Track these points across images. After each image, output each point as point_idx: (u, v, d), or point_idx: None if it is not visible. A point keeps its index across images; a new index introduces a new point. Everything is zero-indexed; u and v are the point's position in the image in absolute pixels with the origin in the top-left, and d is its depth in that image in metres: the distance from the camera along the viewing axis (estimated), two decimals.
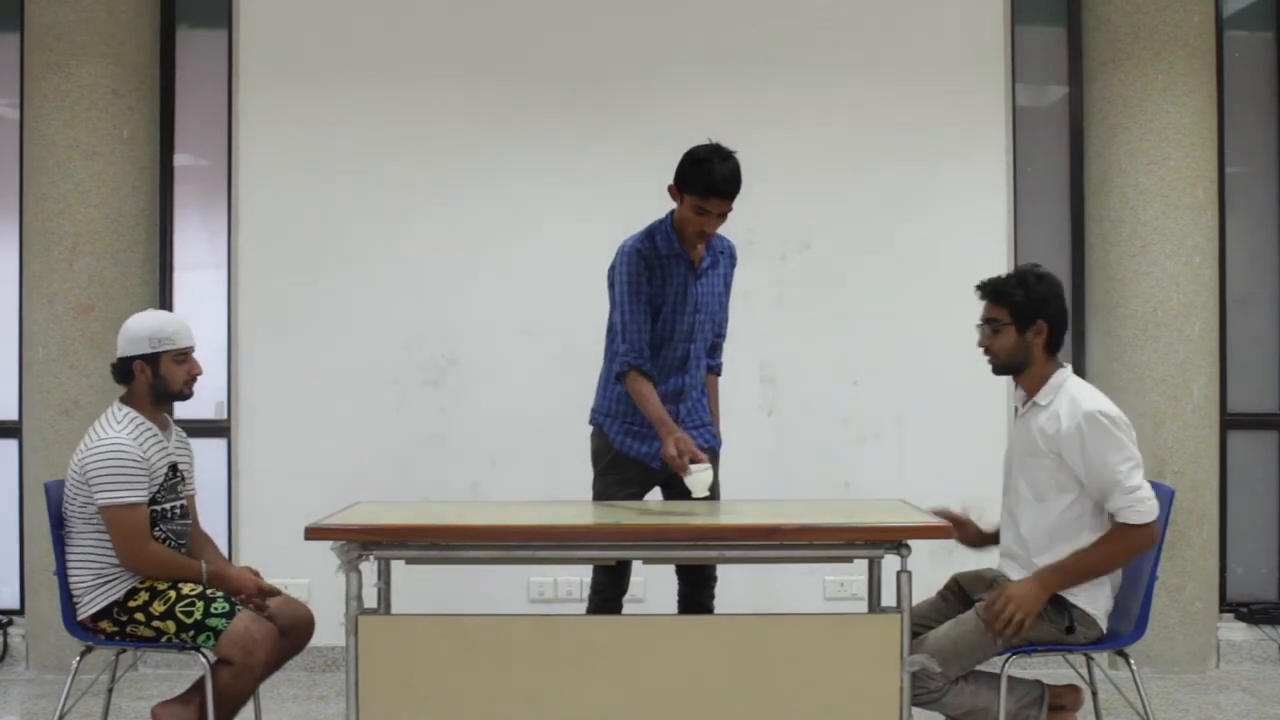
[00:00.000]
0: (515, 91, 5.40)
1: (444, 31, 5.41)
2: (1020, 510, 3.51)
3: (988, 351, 3.55)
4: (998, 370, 3.58)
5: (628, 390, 3.95)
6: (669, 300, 3.99)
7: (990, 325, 3.52)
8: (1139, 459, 3.37)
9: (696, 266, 4.04)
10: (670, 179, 5.47)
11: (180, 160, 5.53)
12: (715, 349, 4.24)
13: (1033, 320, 3.48)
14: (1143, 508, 3.32)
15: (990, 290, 3.53)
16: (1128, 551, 3.38)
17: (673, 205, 4.02)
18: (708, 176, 3.83)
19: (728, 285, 4.18)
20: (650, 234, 4.01)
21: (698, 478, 3.66)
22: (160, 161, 5.44)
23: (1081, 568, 3.39)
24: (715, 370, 4.26)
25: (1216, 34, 5.33)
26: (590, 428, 4.16)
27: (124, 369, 3.68)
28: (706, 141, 3.92)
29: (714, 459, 4.20)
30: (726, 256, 4.17)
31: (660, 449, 3.95)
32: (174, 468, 3.72)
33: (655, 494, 4.18)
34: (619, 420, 4.06)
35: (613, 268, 4.05)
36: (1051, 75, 5.59)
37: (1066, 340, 5.35)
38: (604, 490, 4.10)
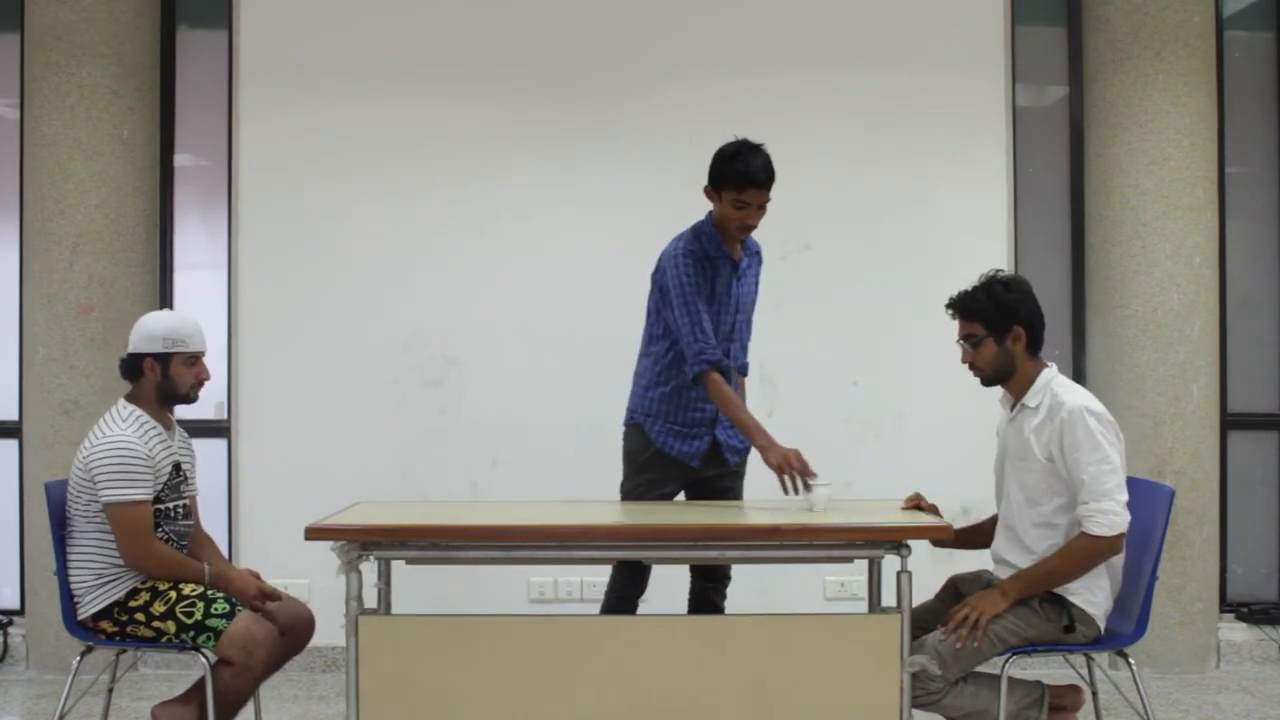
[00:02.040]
0: (516, 92, 5.40)
1: (444, 32, 5.41)
2: (1013, 515, 3.51)
3: (972, 367, 3.55)
4: (987, 383, 3.58)
5: (709, 391, 3.92)
6: (716, 300, 4.02)
7: (969, 341, 3.52)
8: (1117, 465, 3.33)
9: (738, 267, 4.08)
10: (672, 179, 5.49)
11: (180, 160, 5.53)
12: (744, 349, 4.26)
13: (1008, 328, 3.48)
14: (1105, 520, 3.30)
15: (960, 307, 3.53)
16: (1083, 562, 3.36)
17: (709, 207, 4.04)
18: (744, 169, 3.87)
19: (758, 285, 4.20)
20: (696, 235, 4.03)
21: (817, 494, 3.63)
22: (160, 161, 5.44)
23: (1040, 575, 3.40)
24: (742, 371, 4.27)
25: (1216, 34, 5.33)
26: (624, 427, 4.18)
27: (134, 365, 3.68)
28: (734, 139, 3.95)
29: (745, 463, 4.24)
30: (757, 257, 4.20)
31: (701, 447, 4.05)
32: (177, 467, 3.72)
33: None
34: (661, 420, 4.09)
35: (661, 270, 4.05)
36: (1051, 75, 5.59)
37: (1067, 340, 5.45)
38: (634, 489, 4.13)
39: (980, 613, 3.35)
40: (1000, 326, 3.47)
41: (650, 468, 4.09)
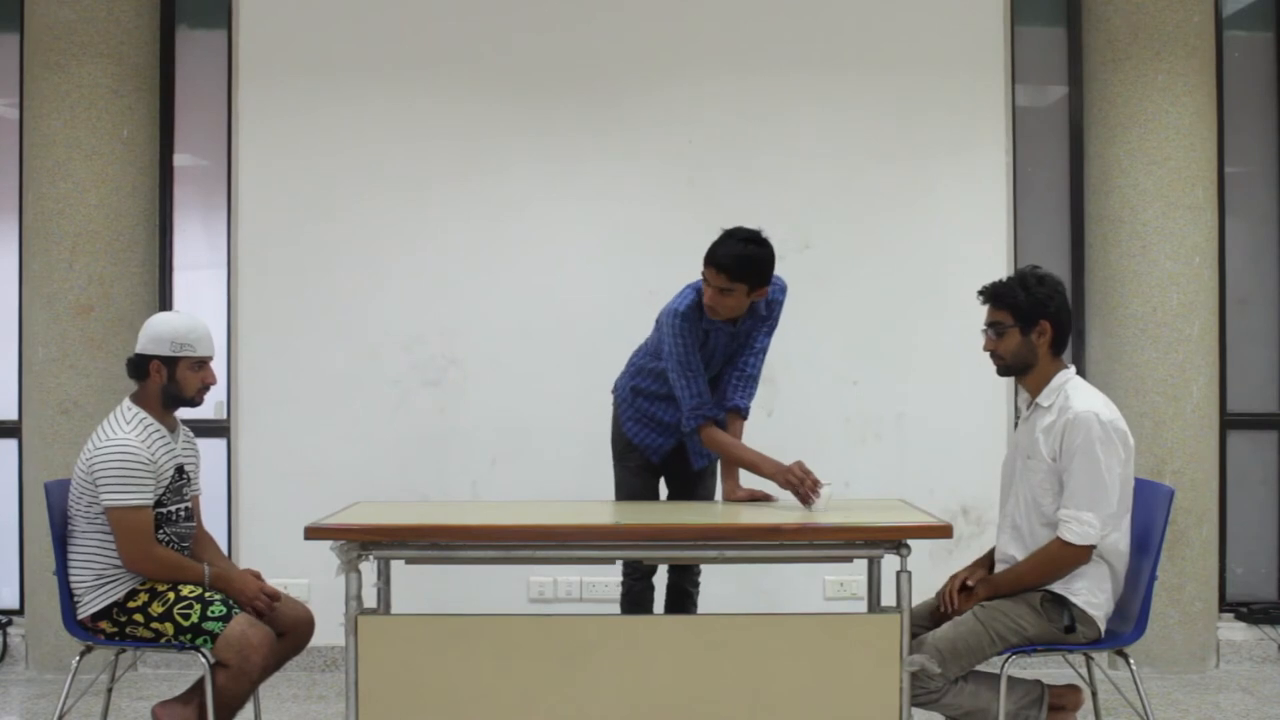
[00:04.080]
0: (515, 92, 5.40)
1: (443, 32, 5.41)
2: (1020, 514, 3.51)
3: (993, 355, 3.56)
4: (1003, 372, 3.59)
5: (706, 445, 4.04)
6: (707, 355, 4.09)
7: (994, 329, 3.53)
8: (1107, 479, 3.33)
9: (737, 325, 4.09)
10: (672, 178, 5.54)
11: (180, 160, 5.53)
12: (744, 385, 4.20)
13: (1035, 321, 3.48)
14: (1079, 529, 3.33)
15: (992, 294, 3.54)
16: (1050, 568, 3.38)
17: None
18: (713, 248, 3.90)
19: (764, 325, 4.16)
20: (698, 304, 4.01)
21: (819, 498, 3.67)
22: (160, 161, 5.44)
23: (1010, 579, 3.44)
24: (741, 411, 4.19)
25: (1216, 34, 5.33)
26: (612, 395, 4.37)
27: (140, 365, 3.68)
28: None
29: (715, 469, 4.32)
30: (769, 306, 4.15)
31: (665, 445, 4.19)
32: (180, 469, 3.72)
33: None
34: (630, 408, 4.26)
35: (659, 322, 4.11)
36: (1051, 75, 5.58)
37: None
38: (622, 478, 4.28)
39: (959, 608, 3.44)
40: (1028, 319, 3.48)
41: (628, 455, 4.26)
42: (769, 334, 4.17)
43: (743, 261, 3.85)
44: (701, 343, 4.03)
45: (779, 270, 5.07)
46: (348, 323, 5.38)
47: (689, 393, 3.98)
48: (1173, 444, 5.14)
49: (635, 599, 4.23)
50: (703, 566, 4.29)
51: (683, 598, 4.28)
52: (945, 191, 5.43)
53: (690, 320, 3.98)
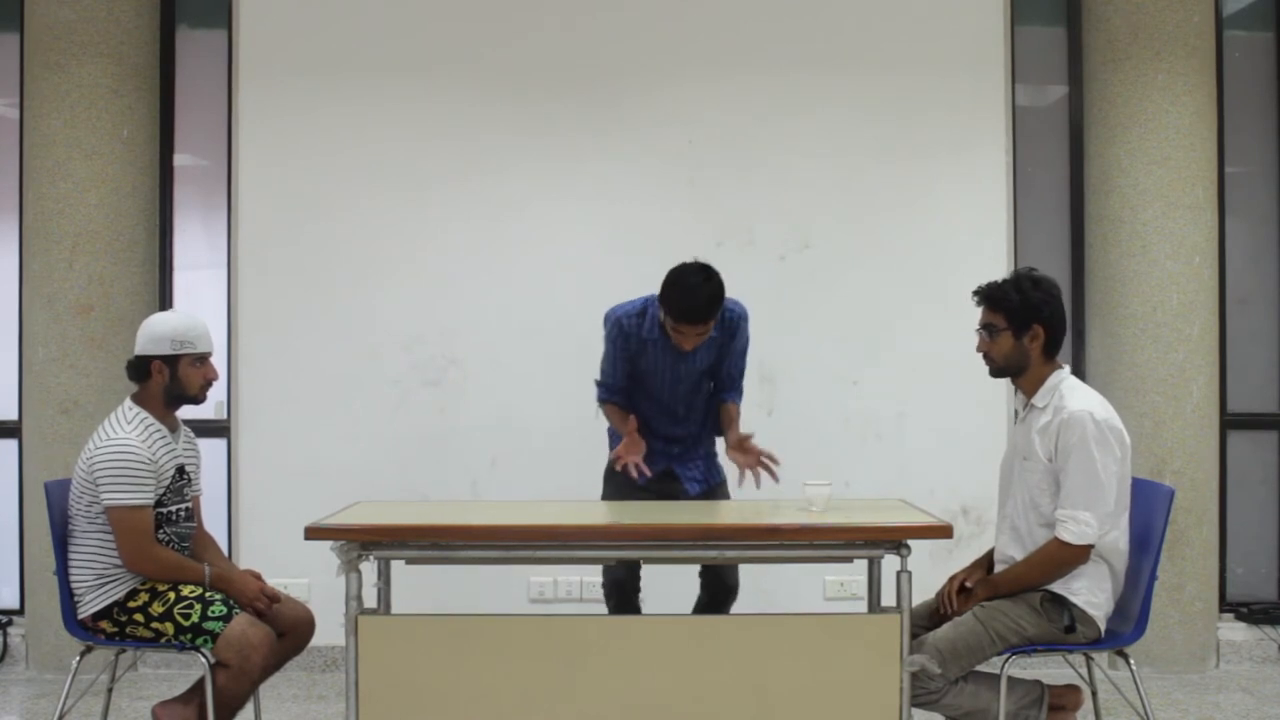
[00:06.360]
0: (516, 92, 5.40)
1: (444, 31, 5.41)
2: (1019, 514, 3.52)
3: (986, 356, 3.56)
4: (995, 373, 3.59)
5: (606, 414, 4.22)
6: (647, 370, 4.13)
7: (987, 331, 3.54)
8: (1103, 478, 3.33)
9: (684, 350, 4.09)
10: (672, 178, 5.53)
11: (180, 160, 5.53)
12: (729, 386, 4.27)
13: (1029, 325, 3.48)
14: (1076, 529, 3.33)
15: (986, 296, 3.54)
16: (1049, 568, 3.39)
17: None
18: (679, 304, 3.89)
19: (725, 349, 4.17)
20: (644, 311, 4.08)
21: (817, 494, 3.65)
22: (160, 161, 5.44)
23: (1008, 579, 3.44)
24: (732, 400, 4.26)
25: (1216, 34, 5.33)
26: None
27: (141, 367, 3.68)
28: (688, 264, 3.97)
29: (717, 493, 4.32)
30: (724, 326, 4.13)
31: (654, 469, 4.13)
32: (181, 470, 3.72)
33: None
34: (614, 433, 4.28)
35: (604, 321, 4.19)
36: (1051, 75, 5.59)
37: (1067, 340, 5.41)
38: (610, 495, 4.26)
39: (957, 610, 3.43)
40: (1021, 322, 3.49)
41: (611, 478, 4.24)
42: (739, 346, 4.22)
43: (713, 302, 3.91)
44: (638, 353, 4.08)
45: (779, 271, 5.10)
46: (348, 323, 5.38)
47: (602, 378, 4.18)
48: (1173, 444, 5.14)
49: (619, 585, 4.20)
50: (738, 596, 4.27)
51: (724, 594, 4.23)
52: (945, 191, 5.43)
53: (625, 331, 4.07)
